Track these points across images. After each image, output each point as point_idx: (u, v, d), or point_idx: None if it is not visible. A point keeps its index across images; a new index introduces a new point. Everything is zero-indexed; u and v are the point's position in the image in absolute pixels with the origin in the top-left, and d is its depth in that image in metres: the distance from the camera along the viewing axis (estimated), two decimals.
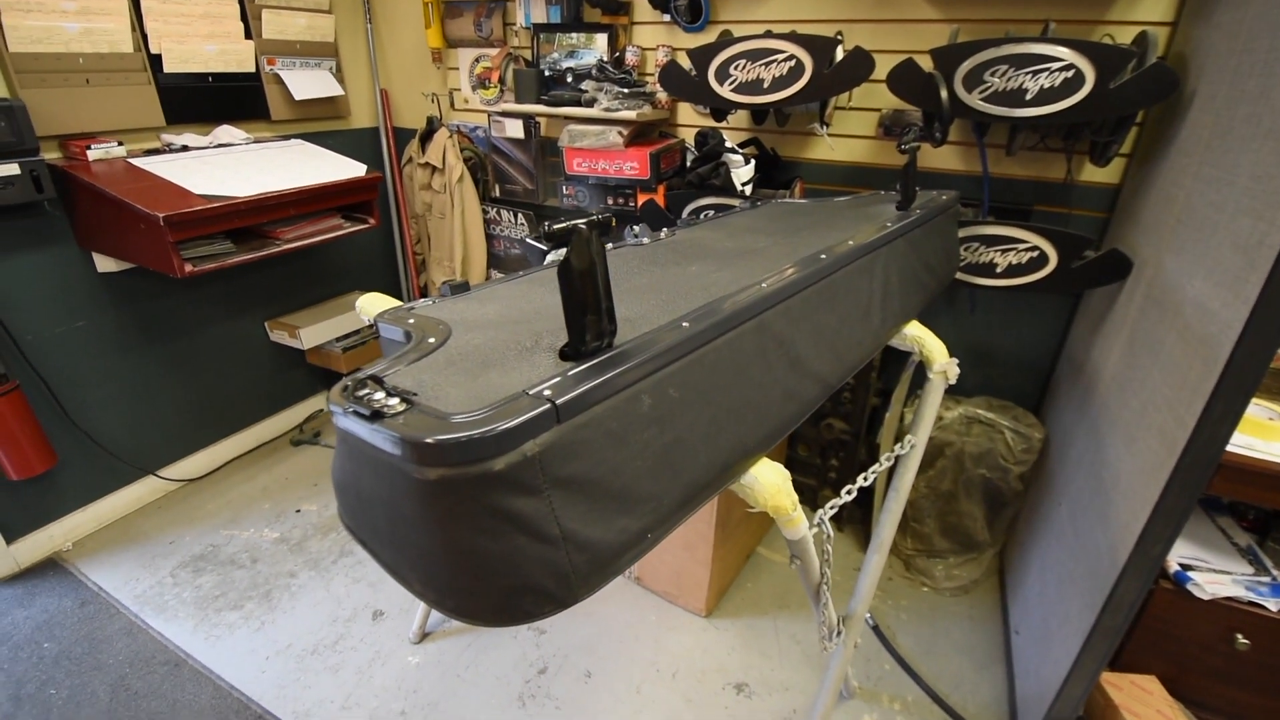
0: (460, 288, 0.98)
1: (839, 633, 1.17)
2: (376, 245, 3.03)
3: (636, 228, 1.22)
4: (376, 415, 0.54)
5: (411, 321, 0.83)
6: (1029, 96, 1.50)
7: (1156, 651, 1.51)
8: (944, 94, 1.53)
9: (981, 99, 1.54)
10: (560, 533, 0.56)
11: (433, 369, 0.66)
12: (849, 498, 1.04)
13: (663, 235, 1.28)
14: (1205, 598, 1.40)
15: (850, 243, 1.06)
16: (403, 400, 0.56)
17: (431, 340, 0.75)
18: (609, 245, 1.26)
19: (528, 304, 0.89)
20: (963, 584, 2.07)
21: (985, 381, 2.13)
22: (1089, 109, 1.46)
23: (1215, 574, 1.40)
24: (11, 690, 1.68)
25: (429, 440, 0.50)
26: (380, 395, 0.57)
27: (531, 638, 1.87)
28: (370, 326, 2.94)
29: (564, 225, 0.57)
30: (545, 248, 0.56)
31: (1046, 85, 1.47)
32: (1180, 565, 1.41)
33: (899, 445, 1.23)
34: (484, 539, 0.54)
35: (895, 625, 1.94)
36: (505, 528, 0.54)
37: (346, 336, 2.74)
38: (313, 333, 2.58)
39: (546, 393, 0.56)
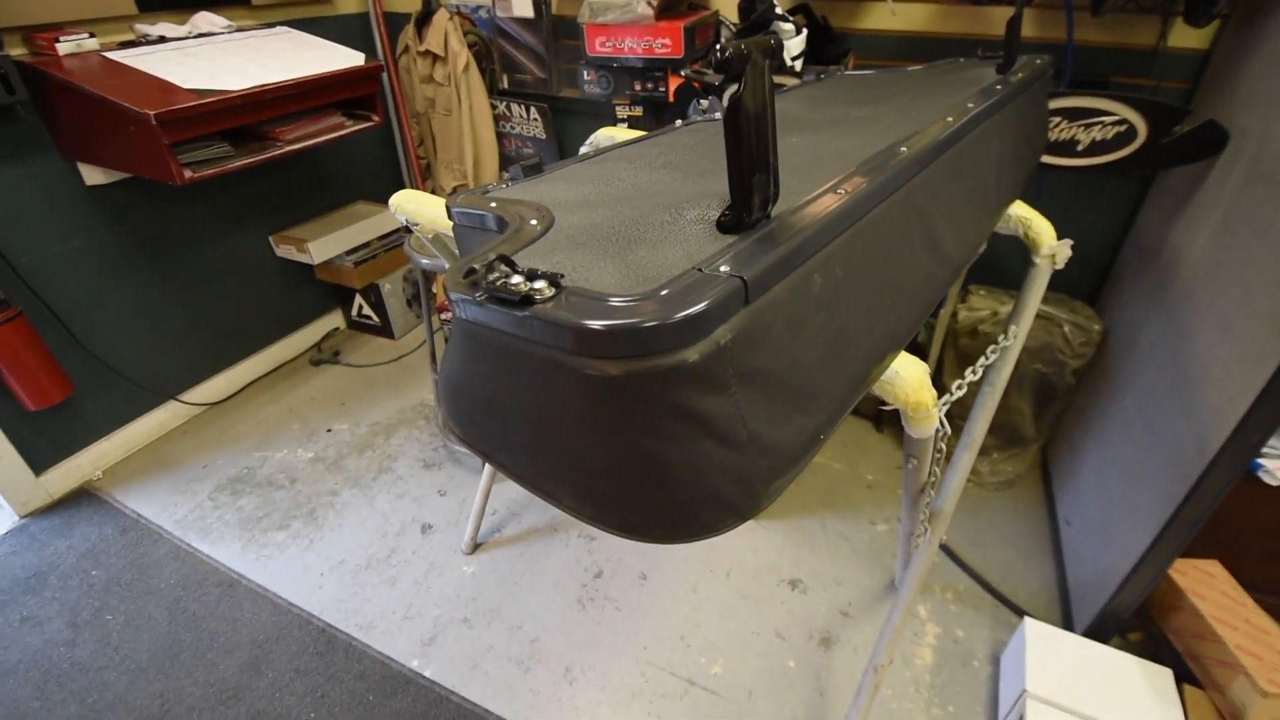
0: (533, 169, 0.85)
1: (925, 530, 1.13)
2: (375, 149, 2.80)
3: (704, 102, 1.07)
4: (526, 300, 0.44)
5: (494, 205, 0.71)
6: None
7: (1214, 538, 1.51)
8: None
9: None
10: (747, 435, 0.47)
11: (562, 250, 0.55)
12: (960, 393, 0.97)
13: None
14: (1275, 484, 1.37)
15: (970, 106, 0.93)
16: (550, 284, 0.46)
17: (534, 223, 0.63)
18: (679, 123, 1.11)
19: (624, 183, 0.77)
20: (1007, 479, 2.07)
21: None
22: None
23: None
24: (68, 618, 1.68)
25: (615, 327, 0.40)
26: (517, 279, 0.47)
27: (583, 544, 1.87)
28: (385, 236, 2.75)
29: (734, 50, 0.44)
30: (715, 82, 0.43)
31: None
32: None
33: (1002, 337, 1.15)
34: (666, 445, 0.45)
35: None
36: (690, 431, 0.45)
37: (356, 250, 2.58)
38: (322, 246, 2.42)
39: (727, 269, 0.46)
